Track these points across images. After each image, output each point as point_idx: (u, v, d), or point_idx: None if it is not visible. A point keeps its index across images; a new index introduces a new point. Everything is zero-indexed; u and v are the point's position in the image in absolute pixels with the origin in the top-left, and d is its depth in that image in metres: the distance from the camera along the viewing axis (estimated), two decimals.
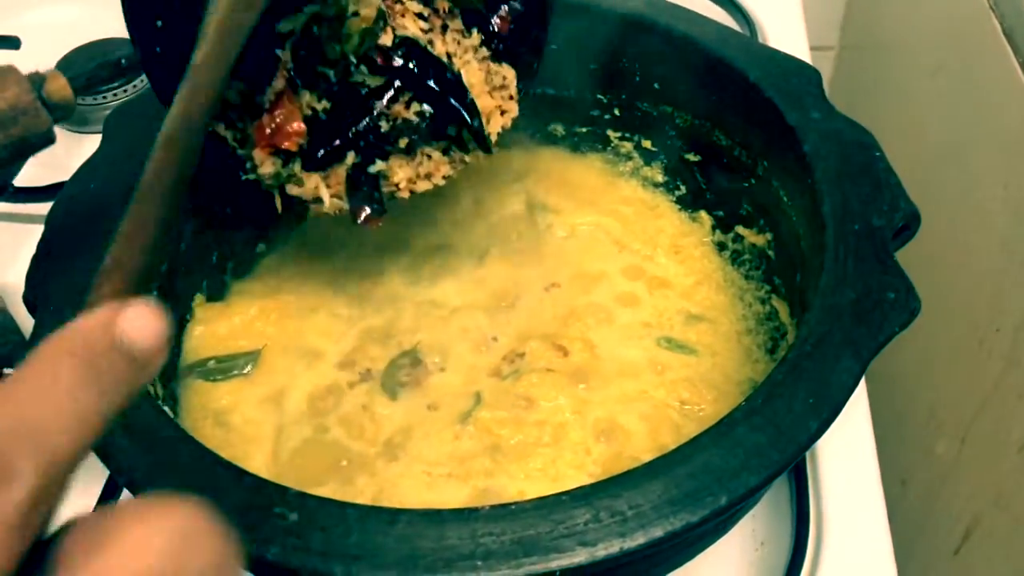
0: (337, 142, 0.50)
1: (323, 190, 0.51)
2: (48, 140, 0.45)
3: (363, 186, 0.51)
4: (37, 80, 0.44)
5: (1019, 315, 0.73)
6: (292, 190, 0.52)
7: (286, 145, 0.49)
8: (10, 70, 0.43)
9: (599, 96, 0.68)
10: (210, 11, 0.41)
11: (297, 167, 0.50)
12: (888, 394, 0.92)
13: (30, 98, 0.43)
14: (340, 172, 0.51)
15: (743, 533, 0.55)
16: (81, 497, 0.56)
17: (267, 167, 0.50)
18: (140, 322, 0.27)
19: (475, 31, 0.55)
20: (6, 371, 0.60)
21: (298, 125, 0.49)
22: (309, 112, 0.50)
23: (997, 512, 0.77)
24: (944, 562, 0.85)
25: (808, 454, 0.57)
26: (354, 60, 0.50)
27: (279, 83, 0.49)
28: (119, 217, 0.51)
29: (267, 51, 0.49)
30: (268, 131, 0.49)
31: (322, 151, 0.50)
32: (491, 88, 0.55)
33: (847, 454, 0.58)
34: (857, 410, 0.60)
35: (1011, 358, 0.74)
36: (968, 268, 0.82)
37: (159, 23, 0.47)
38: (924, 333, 0.74)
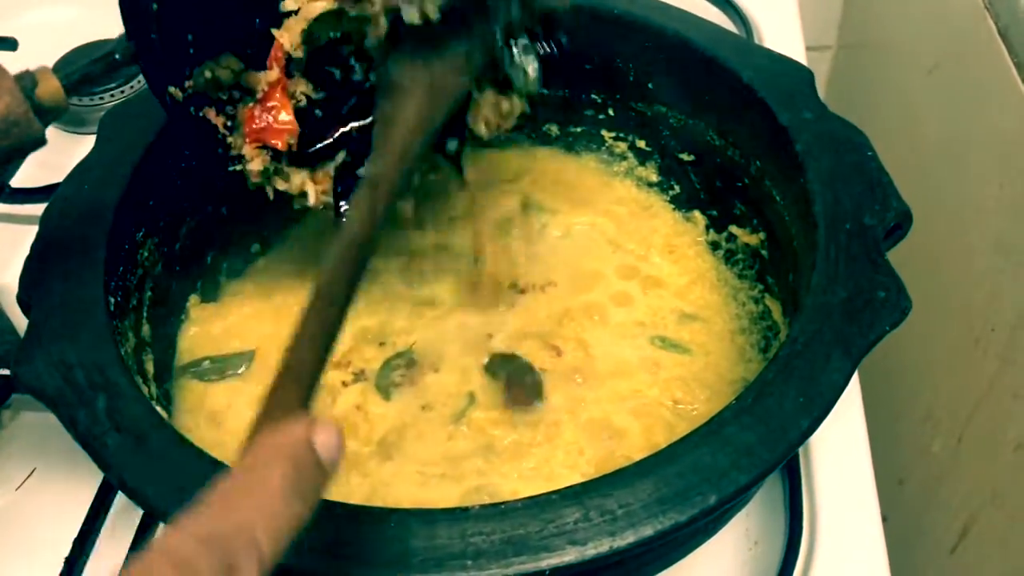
0: (329, 140, 0.50)
1: (309, 186, 0.51)
2: (38, 144, 0.45)
3: (350, 184, 0.51)
4: (28, 84, 0.43)
5: (1014, 314, 0.73)
6: (279, 184, 0.52)
7: (274, 142, 0.50)
8: (1, 74, 0.42)
9: (593, 96, 0.68)
10: (385, 122, 0.43)
11: (285, 164, 0.51)
12: (884, 393, 0.92)
13: (23, 109, 0.42)
14: (329, 170, 0.51)
15: (736, 532, 0.55)
16: (78, 495, 0.56)
17: (255, 164, 0.50)
18: (331, 438, 0.31)
19: None
20: (1, 372, 0.60)
21: (289, 121, 0.49)
22: (302, 102, 0.50)
23: (993, 510, 0.77)
24: (941, 560, 0.85)
25: (801, 452, 0.57)
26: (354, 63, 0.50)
27: (273, 74, 0.50)
28: (113, 219, 0.52)
29: (265, 29, 0.49)
30: (257, 125, 0.49)
31: (314, 147, 0.50)
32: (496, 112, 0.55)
33: (841, 452, 0.58)
34: (850, 408, 0.60)
35: (1006, 357, 0.74)
36: (964, 267, 0.82)
37: (154, 6, 0.47)
38: (920, 332, 0.74)
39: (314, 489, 0.30)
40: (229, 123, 0.51)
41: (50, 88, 0.44)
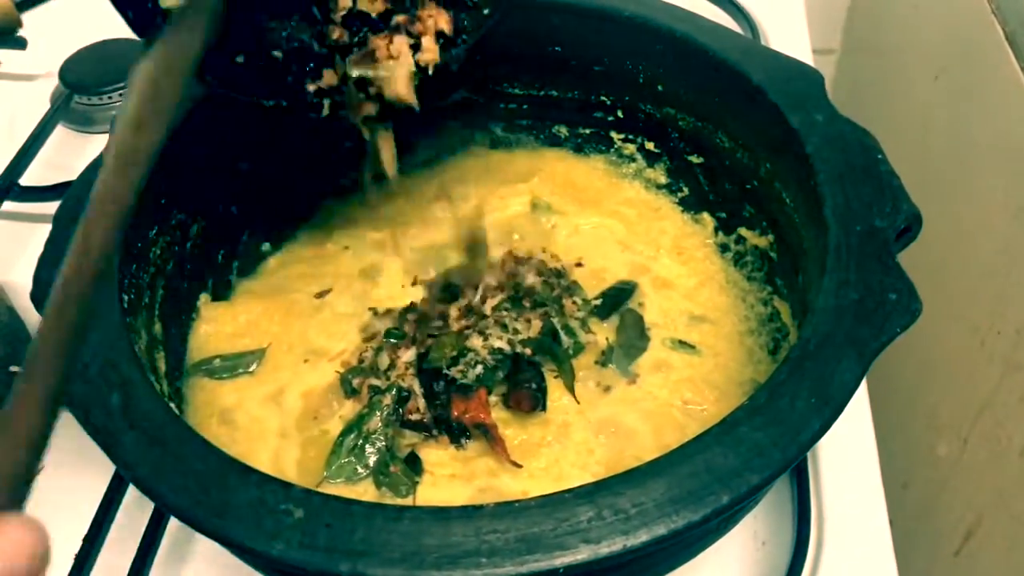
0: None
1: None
2: None
3: None
4: None
5: (1020, 318, 0.73)
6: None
7: None
8: None
9: (603, 98, 0.68)
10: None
11: None
12: (889, 397, 0.92)
13: None
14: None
15: (745, 533, 0.55)
16: (88, 493, 0.56)
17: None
18: (16, 545, 0.26)
19: None
20: (12, 368, 0.60)
21: None
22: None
23: (998, 514, 0.77)
24: (945, 563, 0.85)
25: (809, 454, 0.58)
26: None
27: None
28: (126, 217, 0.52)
29: None
30: None
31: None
32: None
33: (848, 454, 0.58)
34: (858, 410, 0.61)
35: (1012, 361, 0.75)
36: (969, 271, 0.82)
37: None
38: (925, 336, 0.74)
39: None
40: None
41: (2, 8, 0.42)
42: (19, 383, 0.30)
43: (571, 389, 0.56)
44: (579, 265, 0.64)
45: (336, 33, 0.51)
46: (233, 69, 0.51)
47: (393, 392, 0.55)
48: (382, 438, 0.53)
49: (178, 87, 0.39)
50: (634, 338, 0.59)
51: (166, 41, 0.41)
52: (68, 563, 0.53)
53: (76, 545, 0.53)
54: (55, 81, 0.86)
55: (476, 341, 0.57)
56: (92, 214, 0.34)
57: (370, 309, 0.62)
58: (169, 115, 0.38)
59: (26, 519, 0.27)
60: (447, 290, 0.61)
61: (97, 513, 0.55)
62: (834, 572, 0.53)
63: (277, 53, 0.51)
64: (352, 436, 0.53)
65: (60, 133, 0.84)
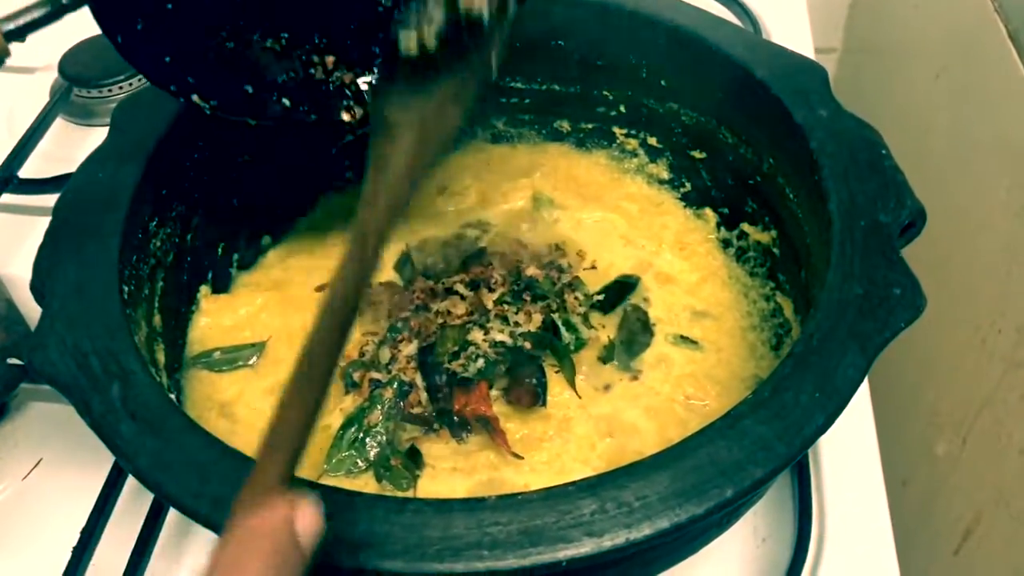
0: None
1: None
2: None
3: None
4: None
5: (1021, 316, 0.73)
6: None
7: None
8: None
9: (605, 93, 0.68)
10: (377, 166, 0.41)
11: None
12: (889, 395, 0.92)
13: None
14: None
15: (746, 529, 0.55)
16: (86, 484, 0.56)
17: None
18: (311, 521, 0.32)
19: None
20: (10, 361, 0.60)
21: None
22: None
23: (997, 512, 0.77)
24: (944, 562, 0.85)
25: (811, 451, 0.57)
26: None
27: None
28: (127, 208, 0.52)
29: None
30: None
31: None
32: None
33: (849, 450, 0.58)
34: (860, 406, 0.60)
35: (1013, 359, 0.74)
36: (971, 270, 0.82)
37: None
38: (926, 334, 0.74)
39: (291, 569, 0.31)
40: None
41: None
42: (292, 382, 0.35)
43: (572, 384, 0.56)
44: (581, 259, 0.64)
45: None
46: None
47: (394, 385, 0.55)
48: (383, 431, 0.53)
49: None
50: (637, 333, 0.59)
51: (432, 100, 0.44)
52: (66, 556, 0.53)
53: (74, 536, 0.53)
54: (55, 74, 0.86)
55: (477, 335, 0.57)
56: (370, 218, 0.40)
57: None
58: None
59: (314, 498, 0.32)
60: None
61: (96, 504, 0.55)
62: (835, 569, 0.53)
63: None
64: (353, 429, 0.53)
65: (59, 126, 0.84)
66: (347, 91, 0.54)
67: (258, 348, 0.59)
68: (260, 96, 0.54)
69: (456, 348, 0.56)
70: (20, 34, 0.44)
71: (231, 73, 0.53)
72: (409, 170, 0.42)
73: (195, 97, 0.52)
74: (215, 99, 0.53)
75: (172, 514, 0.55)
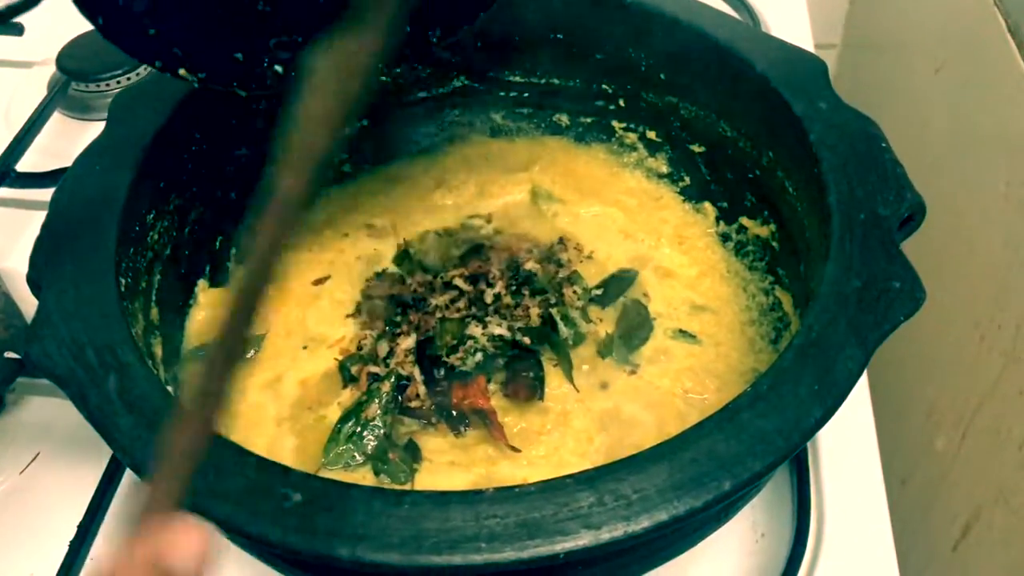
0: None
1: None
2: None
3: None
4: None
5: (1021, 312, 0.73)
6: None
7: None
8: None
9: (604, 87, 0.68)
10: (291, 122, 0.36)
11: None
12: (887, 390, 0.92)
13: None
14: None
15: (743, 524, 0.55)
16: (83, 478, 0.56)
17: None
18: (190, 548, 0.30)
19: None
20: (7, 354, 0.60)
21: None
22: None
23: (996, 508, 0.77)
24: (942, 558, 0.85)
25: (809, 445, 0.57)
26: None
27: None
28: (124, 201, 0.52)
29: None
30: None
31: None
32: None
33: (848, 445, 0.58)
34: (859, 401, 0.60)
35: (1012, 355, 0.74)
36: (970, 265, 0.82)
37: None
38: (925, 329, 0.74)
39: None
40: None
41: None
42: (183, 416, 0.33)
43: (570, 378, 0.55)
44: (579, 253, 0.64)
45: None
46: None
47: (392, 379, 0.55)
48: (380, 425, 0.53)
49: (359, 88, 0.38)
50: (636, 327, 0.59)
51: (345, 38, 0.40)
52: (63, 549, 0.52)
53: (71, 532, 0.53)
54: (52, 68, 0.86)
55: (476, 328, 0.57)
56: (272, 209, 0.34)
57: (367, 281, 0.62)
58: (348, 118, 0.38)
59: (194, 521, 0.30)
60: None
61: (92, 500, 0.55)
62: (834, 564, 0.53)
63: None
64: (350, 423, 0.53)
65: (57, 120, 0.83)
66: None
67: (255, 342, 0.58)
68: (251, 64, 0.53)
69: (454, 342, 0.56)
70: (2, 19, 0.43)
71: (220, 41, 0.52)
72: (325, 115, 0.39)
73: (182, 71, 0.51)
74: (203, 71, 0.52)
75: None
